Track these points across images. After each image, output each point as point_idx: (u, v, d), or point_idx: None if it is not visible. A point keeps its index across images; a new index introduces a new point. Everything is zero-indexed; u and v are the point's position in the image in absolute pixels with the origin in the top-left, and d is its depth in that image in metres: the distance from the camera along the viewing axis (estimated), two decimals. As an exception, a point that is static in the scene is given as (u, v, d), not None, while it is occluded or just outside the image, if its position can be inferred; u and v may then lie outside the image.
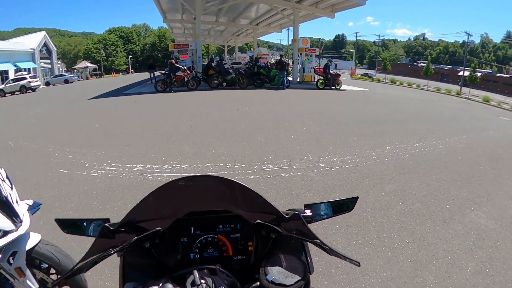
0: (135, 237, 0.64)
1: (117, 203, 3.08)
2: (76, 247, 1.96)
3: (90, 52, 51.93)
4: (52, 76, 32.81)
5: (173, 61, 13.77)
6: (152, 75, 18.68)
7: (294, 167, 4.21)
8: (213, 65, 14.62)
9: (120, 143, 5.35)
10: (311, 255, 0.72)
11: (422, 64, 56.49)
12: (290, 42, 25.71)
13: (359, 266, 0.60)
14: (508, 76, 48.35)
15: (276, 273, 0.56)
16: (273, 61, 23.09)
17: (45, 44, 36.20)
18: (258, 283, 0.58)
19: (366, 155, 4.84)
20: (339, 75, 15.94)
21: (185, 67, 14.07)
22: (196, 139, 5.56)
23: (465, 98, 21.09)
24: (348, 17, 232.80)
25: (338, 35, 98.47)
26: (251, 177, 3.84)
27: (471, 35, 71.53)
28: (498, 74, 51.16)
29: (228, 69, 15.23)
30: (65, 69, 47.01)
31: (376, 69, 51.13)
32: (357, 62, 72.06)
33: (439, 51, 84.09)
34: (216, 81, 14.24)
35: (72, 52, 54.56)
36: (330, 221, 2.80)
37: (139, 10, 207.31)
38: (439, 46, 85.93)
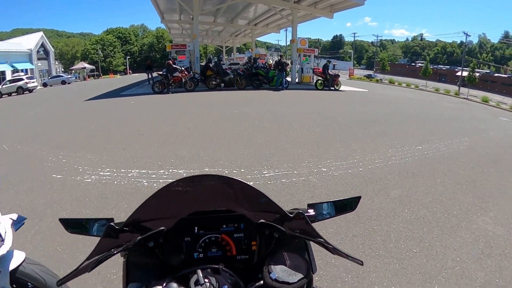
0: (139, 237, 0.64)
1: (110, 212, 2.96)
2: (63, 266, 1.83)
3: (88, 53, 51.63)
4: (49, 77, 32.58)
5: (170, 62, 13.64)
6: (149, 76, 18.58)
7: (296, 172, 4.09)
8: (211, 65, 14.54)
9: (115, 146, 5.24)
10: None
11: (420, 64, 56.54)
12: (288, 43, 25.64)
13: (362, 265, 0.59)
14: (506, 76, 48.56)
15: (279, 271, 0.55)
16: (271, 61, 22.99)
17: (42, 45, 36.07)
18: (262, 282, 0.57)
19: (369, 159, 4.74)
20: (338, 75, 15.86)
21: (183, 68, 13.95)
22: (194, 142, 5.44)
23: (464, 98, 21.11)
24: (346, 18, 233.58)
25: (336, 35, 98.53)
26: (251, 183, 3.71)
27: (469, 35, 71.55)
28: (496, 74, 51.36)
29: (226, 70, 15.11)
30: (62, 70, 46.82)
31: (374, 69, 51.16)
32: (355, 62, 72.17)
33: (437, 51, 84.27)
34: (214, 82, 14.14)
35: (70, 53, 54.13)
36: (335, 230, 2.70)
37: (137, 11, 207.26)
38: (437, 47, 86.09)
